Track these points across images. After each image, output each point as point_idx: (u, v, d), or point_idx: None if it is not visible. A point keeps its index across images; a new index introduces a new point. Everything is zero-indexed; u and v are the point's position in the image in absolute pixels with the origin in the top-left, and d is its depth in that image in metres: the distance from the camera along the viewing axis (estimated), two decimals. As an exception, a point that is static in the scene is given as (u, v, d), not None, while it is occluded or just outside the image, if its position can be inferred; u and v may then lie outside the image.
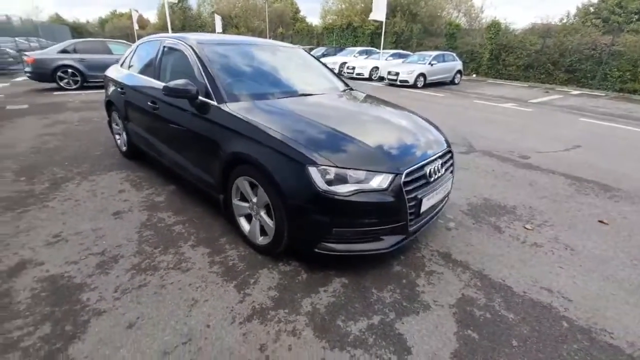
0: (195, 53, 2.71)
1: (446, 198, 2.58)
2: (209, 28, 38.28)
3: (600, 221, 2.97)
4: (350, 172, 1.92)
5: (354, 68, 14.80)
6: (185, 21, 43.15)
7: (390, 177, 1.95)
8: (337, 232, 1.98)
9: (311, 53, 16.88)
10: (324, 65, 3.65)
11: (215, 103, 2.41)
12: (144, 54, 3.52)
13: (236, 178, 2.29)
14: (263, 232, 2.29)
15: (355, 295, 1.99)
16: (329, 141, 2.07)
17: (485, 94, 11.63)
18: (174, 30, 42.00)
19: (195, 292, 1.97)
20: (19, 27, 21.55)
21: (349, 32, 23.31)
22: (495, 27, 16.56)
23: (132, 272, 2.12)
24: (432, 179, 2.19)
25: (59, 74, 9.24)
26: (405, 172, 2.00)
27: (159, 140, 3.16)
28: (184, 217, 2.81)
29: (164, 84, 2.55)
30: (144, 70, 3.41)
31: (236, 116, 2.27)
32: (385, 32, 20.76)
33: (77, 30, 36.98)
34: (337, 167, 1.90)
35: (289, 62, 3.29)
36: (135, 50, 3.77)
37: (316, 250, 2.04)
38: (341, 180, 1.91)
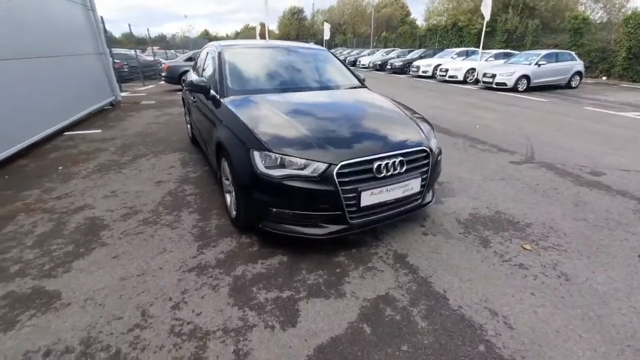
0: (219, 55, 3.27)
1: (419, 199, 2.45)
2: (320, 35, 41.03)
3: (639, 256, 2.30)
4: (288, 159, 2.11)
5: (446, 70, 13.81)
6: (300, 30, 47.28)
7: (323, 166, 2.05)
8: (277, 212, 2.19)
9: (407, 55, 16.43)
10: (344, 65, 3.79)
11: (218, 97, 2.90)
12: (201, 59, 4.33)
13: (221, 159, 2.72)
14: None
15: (284, 272, 2.16)
16: (279, 130, 2.29)
17: (605, 101, 9.36)
18: (289, 38, 46.71)
19: (168, 244, 2.48)
20: (178, 42, 27.70)
21: (453, 32, 21.67)
22: (636, 20, 12.96)
23: (140, 223, 2.78)
24: (381, 175, 2.17)
25: (183, 77, 11.62)
26: (342, 163, 2.06)
27: (197, 128, 3.88)
28: (200, 190, 3.41)
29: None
30: (196, 71, 4.21)
31: (225, 106, 2.70)
32: (495, 30, 18.65)
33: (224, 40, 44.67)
34: (276, 153, 2.12)
35: (300, 62, 3.55)
36: (199, 56, 4.65)
37: (260, 226, 2.30)
38: (280, 165, 2.11)
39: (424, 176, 2.40)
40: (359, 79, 3.65)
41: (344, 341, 1.65)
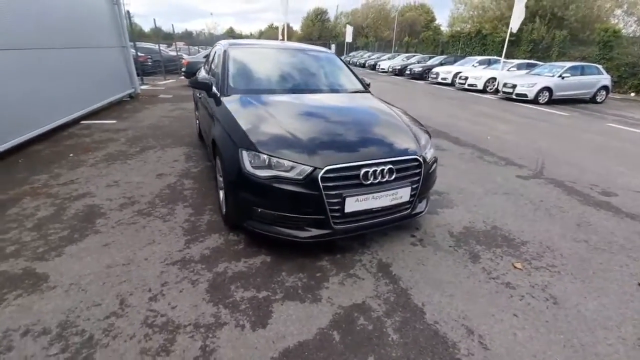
0: (224, 54, 3.32)
1: (409, 208, 2.41)
2: (342, 38, 41.01)
3: (639, 284, 2.18)
4: (275, 160, 2.11)
5: (466, 78, 13.53)
6: (322, 32, 47.45)
7: (309, 169, 2.05)
8: (262, 212, 2.20)
9: (428, 61, 16.25)
10: (350, 69, 3.77)
11: (219, 94, 2.95)
12: (211, 56, 4.41)
13: (216, 156, 2.76)
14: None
15: (265, 272, 2.17)
16: (271, 131, 2.30)
17: (631, 118, 8.95)
18: (311, 39, 46.99)
19: (158, 236, 2.53)
20: (203, 39, 28.41)
21: (476, 40, 21.16)
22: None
23: (135, 213, 2.85)
24: (368, 182, 2.14)
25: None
26: (327, 168, 2.05)
27: (201, 123, 3.95)
28: (198, 185, 3.47)
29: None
30: (207, 68, 4.28)
31: (223, 105, 2.74)
32: (520, 39, 18.13)
33: (236, 39, 45.50)
34: (263, 153, 2.13)
35: (305, 64, 3.55)
36: (210, 53, 4.74)
37: (245, 225, 2.31)
38: (267, 166, 2.12)
39: (415, 186, 2.36)
40: (363, 84, 3.63)
41: (310, 347, 1.64)
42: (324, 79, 3.47)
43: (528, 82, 10.64)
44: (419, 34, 32.82)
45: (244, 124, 2.36)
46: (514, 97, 10.89)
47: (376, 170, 2.15)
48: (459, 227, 2.83)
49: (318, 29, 48.35)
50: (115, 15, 8.08)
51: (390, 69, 21.98)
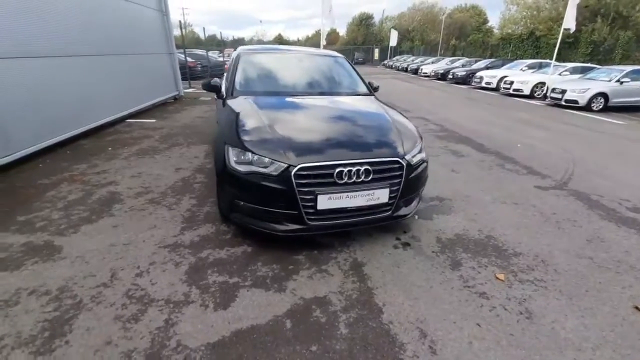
0: (236, 58, 3.57)
1: (389, 210, 2.41)
2: (387, 42, 40.60)
3: (636, 307, 1.96)
4: (255, 157, 2.26)
5: (511, 83, 12.68)
6: (367, 36, 47.32)
7: (284, 166, 2.16)
8: (243, 206, 2.35)
9: (473, 65, 15.56)
10: (357, 73, 3.82)
11: (225, 96, 3.19)
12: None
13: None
14: (223, 197, 2.89)
15: (242, 261, 2.32)
16: (258, 130, 2.46)
17: None
18: (355, 43, 47.09)
19: (159, 222, 2.81)
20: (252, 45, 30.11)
21: (529, 42, 19.71)
22: None
23: (147, 201, 3.18)
24: (342, 182, 2.20)
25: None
26: (301, 165, 2.15)
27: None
28: (208, 180, 3.75)
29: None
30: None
31: (227, 105, 2.96)
32: (578, 41, 16.58)
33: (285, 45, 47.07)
34: (246, 150, 2.29)
35: (311, 68, 3.67)
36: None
37: (230, 217, 2.49)
38: (248, 162, 2.28)
39: (395, 188, 2.36)
40: (367, 87, 3.66)
41: (261, 331, 1.74)
42: (326, 82, 3.57)
43: (580, 87, 9.71)
44: (468, 36, 31.38)
45: (235, 123, 2.55)
46: (563, 103, 10.00)
47: (351, 170, 2.20)
48: (450, 234, 2.75)
49: (362, 34, 48.32)
50: (164, 25, 8.93)
51: (432, 73, 21.31)
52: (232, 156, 2.33)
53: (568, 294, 2.09)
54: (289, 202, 2.18)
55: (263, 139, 2.36)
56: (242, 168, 2.27)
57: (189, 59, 13.85)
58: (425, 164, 2.64)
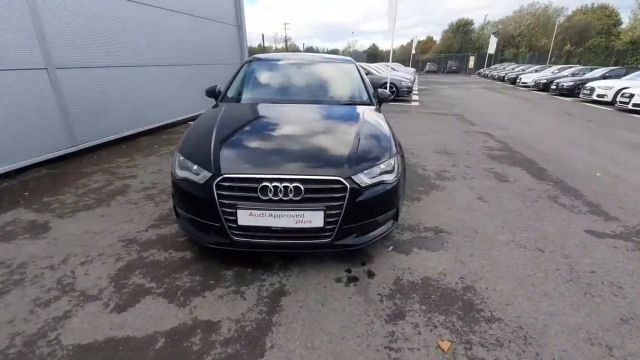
0: (242, 66, 3.65)
1: (329, 237, 2.08)
2: (485, 49, 36.89)
3: None
4: (189, 163, 2.22)
5: (631, 96, 10.01)
6: (463, 43, 43.83)
7: (209, 175, 2.07)
8: (180, 212, 2.35)
9: (586, 74, 13.29)
10: (363, 81, 3.46)
11: (215, 103, 3.27)
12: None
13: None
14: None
15: (172, 266, 2.29)
16: (201, 137, 2.44)
17: None
18: (450, 51, 44.04)
19: (138, 216, 3.01)
20: (340, 55, 31.59)
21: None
22: None
23: (145, 196, 3.46)
24: (267, 198, 1.98)
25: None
26: (224, 176, 2.02)
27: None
28: (210, 182, 3.89)
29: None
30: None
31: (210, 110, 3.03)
32: None
33: (372, 54, 47.08)
34: (184, 157, 2.28)
35: (312, 75, 3.51)
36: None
37: (177, 224, 2.50)
38: (185, 168, 2.26)
39: (335, 212, 2.02)
40: (370, 97, 3.29)
41: (130, 345, 1.66)
42: (317, 90, 3.35)
43: None
44: (592, 40, 26.13)
45: (192, 130, 2.58)
46: None
47: (277, 187, 1.97)
48: (417, 277, 2.23)
49: (459, 41, 44.94)
50: (240, 38, 9.86)
51: (532, 83, 18.48)
52: (176, 161, 2.34)
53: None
54: (211, 214, 2.08)
55: (201, 147, 2.31)
56: (179, 173, 2.26)
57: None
58: (391, 186, 2.22)
